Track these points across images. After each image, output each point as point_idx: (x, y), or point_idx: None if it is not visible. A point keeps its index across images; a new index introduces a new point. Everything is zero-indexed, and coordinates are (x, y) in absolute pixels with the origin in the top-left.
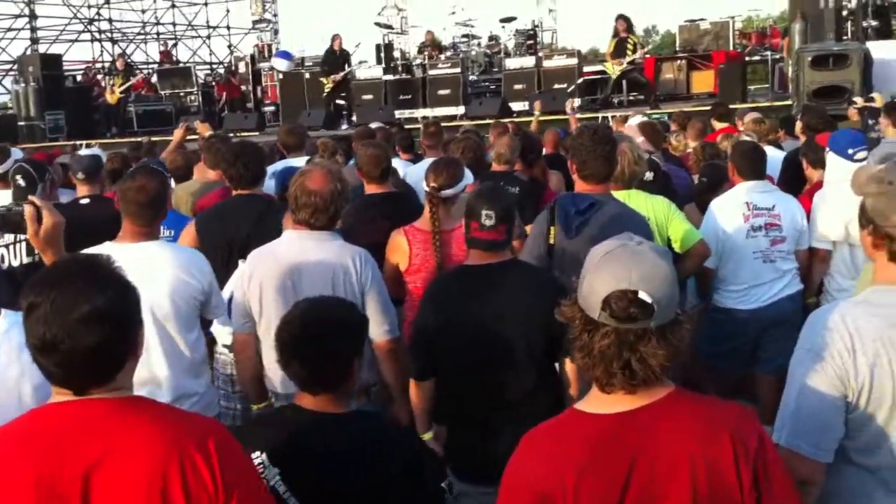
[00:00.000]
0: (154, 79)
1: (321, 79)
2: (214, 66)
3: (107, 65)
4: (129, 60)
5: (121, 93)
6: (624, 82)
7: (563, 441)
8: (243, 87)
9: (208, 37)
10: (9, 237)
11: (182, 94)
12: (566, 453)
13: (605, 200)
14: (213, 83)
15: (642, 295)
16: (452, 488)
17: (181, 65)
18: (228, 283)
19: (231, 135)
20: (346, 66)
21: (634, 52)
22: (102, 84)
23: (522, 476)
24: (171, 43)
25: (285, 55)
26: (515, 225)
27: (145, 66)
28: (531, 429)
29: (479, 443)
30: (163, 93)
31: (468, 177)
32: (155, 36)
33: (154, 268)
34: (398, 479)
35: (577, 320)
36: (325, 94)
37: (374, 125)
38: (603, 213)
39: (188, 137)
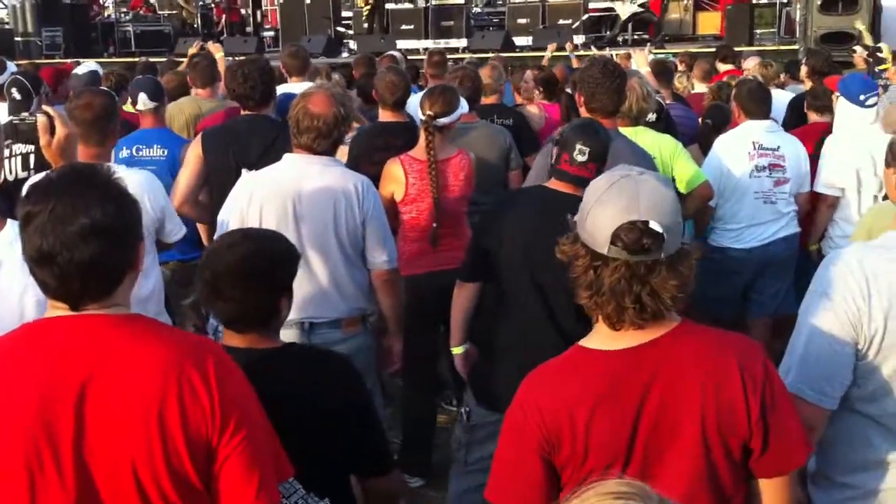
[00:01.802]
0: None
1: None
2: None
3: None
4: None
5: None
6: (630, 23)
7: (572, 377)
8: (243, 11)
9: None
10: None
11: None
12: (576, 389)
13: (612, 136)
14: (213, 5)
15: (653, 224)
16: (470, 416)
17: None
18: (226, 204)
19: (228, 58)
20: None
21: None
22: (100, 2)
23: (530, 412)
24: None
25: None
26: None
27: None
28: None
29: (505, 371)
30: (161, 13)
31: (463, 106)
32: None
33: None
34: (339, 415)
35: (581, 258)
36: (363, 17)
37: (392, 53)
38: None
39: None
